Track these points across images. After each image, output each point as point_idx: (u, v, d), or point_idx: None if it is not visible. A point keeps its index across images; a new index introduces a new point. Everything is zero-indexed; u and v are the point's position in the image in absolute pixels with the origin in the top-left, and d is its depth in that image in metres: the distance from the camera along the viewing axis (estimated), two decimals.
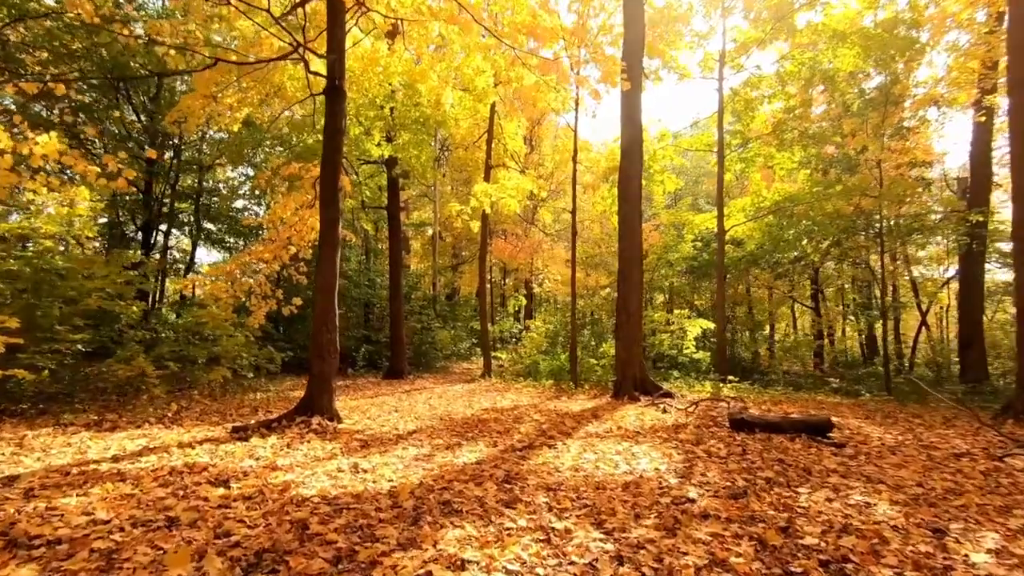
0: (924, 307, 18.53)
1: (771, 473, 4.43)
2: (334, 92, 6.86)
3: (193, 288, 16.23)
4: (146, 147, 15.75)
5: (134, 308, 10.01)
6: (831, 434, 5.86)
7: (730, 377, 11.23)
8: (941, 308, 22.57)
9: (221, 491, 3.79)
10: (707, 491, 4.00)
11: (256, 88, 10.87)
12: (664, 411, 7.65)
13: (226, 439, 5.57)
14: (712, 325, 13.11)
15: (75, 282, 8.89)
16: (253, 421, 6.26)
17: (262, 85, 10.91)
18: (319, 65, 7.80)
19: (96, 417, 6.55)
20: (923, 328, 18.81)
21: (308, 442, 5.47)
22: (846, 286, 23.20)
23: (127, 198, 16.68)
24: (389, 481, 4.19)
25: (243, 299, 10.23)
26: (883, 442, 5.70)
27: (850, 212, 13.81)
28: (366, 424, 6.85)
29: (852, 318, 21.47)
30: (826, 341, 19.35)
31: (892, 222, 14.17)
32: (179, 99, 10.78)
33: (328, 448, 5.30)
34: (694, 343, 13.16)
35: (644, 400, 9.34)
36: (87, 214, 8.91)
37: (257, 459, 4.74)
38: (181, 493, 3.71)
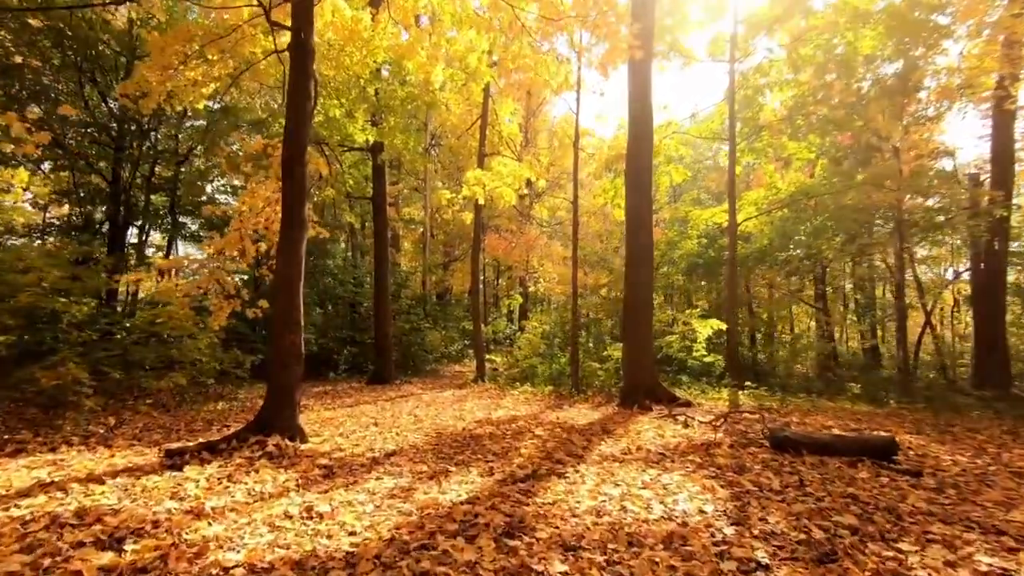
0: (928, 308, 17.69)
1: (851, 519, 3.39)
2: (299, 48, 5.78)
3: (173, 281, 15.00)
4: (113, 133, 14.61)
5: (82, 306, 8.86)
6: (895, 457, 4.86)
7: (747, 383, 10.23)
8: (940, 309, 21.85)
9: (108, 558, 2.69)
10: (779, 549, 2.96)
11: (222, 61, 9.75)
12: (686, 425, 6.62)
13: (154, 467, 4.45)
14: (724, 326, 12.13)
15: (9, 276, 7.76)
16: (197, 442, 5.15)
17: (230, 58, 9.79)
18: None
19: (4, 436, 5.39)
20: (926, 329, 18.02)
21: (257, 471, 4.37)
22: (847, 286, 22.38)
23: (89, 187, 15.46)
24: (350, 535, 3.11)
25: (202, 297, 9.12)
26: (961, 467, 4.69)
27: (869, 205, 12.92)
28: (336, 443, 5.75)
29: (855, 319, 20.64)
30: (835, 343, 18.49)
31: (913, 216, 13.31)
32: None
33: (280, 480, 4.20)
34: (704, 345, 12.19)
35: (657, 410, 8.31)
36: (19, 197, 7.74)
37: (181, 499, 3.63)
38: (47, 563, 2.61)
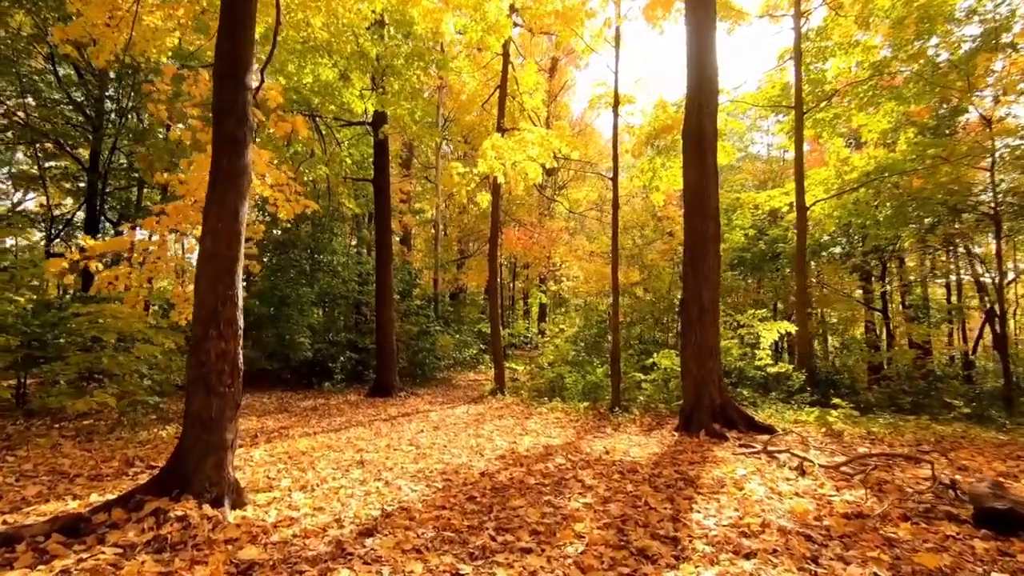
0: (987, 309, 15.30)
1: None
2: None
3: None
4: (91, 114, 12.99)
5: (5, 304, 7.16)
6: None
7: (835, 400, 8.11)
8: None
9: None
10: None
11: (185, 5, 7.96)
12: (803, 472, 4.57)
13: None
14: (793, 328, 10.04)
15: None
16: (68, 509, 3.28)
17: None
18: None
19: None
20: (983, 334, 15.62)
21: None
22: (893, 283, 20.08)
23: (62, 173, 13.82)
24: None
25: (160, 292, 7.32)
26: None
27: (963, 186, 10.75)
28: (289, 505, 3.83)
29: (903, 321, 18.29)
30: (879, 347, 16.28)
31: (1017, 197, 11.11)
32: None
33: None
34: (768, 353, 10.11)
35: (734, 439, 6.29)
36: None
37: None
38: None
